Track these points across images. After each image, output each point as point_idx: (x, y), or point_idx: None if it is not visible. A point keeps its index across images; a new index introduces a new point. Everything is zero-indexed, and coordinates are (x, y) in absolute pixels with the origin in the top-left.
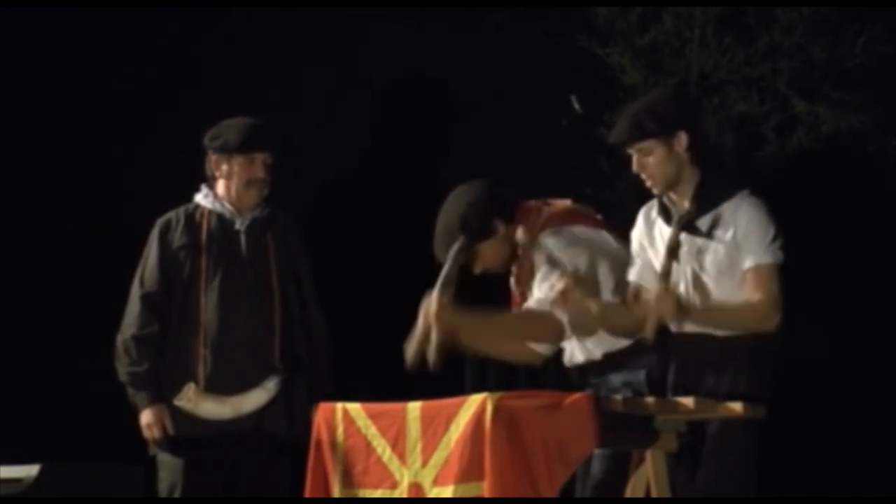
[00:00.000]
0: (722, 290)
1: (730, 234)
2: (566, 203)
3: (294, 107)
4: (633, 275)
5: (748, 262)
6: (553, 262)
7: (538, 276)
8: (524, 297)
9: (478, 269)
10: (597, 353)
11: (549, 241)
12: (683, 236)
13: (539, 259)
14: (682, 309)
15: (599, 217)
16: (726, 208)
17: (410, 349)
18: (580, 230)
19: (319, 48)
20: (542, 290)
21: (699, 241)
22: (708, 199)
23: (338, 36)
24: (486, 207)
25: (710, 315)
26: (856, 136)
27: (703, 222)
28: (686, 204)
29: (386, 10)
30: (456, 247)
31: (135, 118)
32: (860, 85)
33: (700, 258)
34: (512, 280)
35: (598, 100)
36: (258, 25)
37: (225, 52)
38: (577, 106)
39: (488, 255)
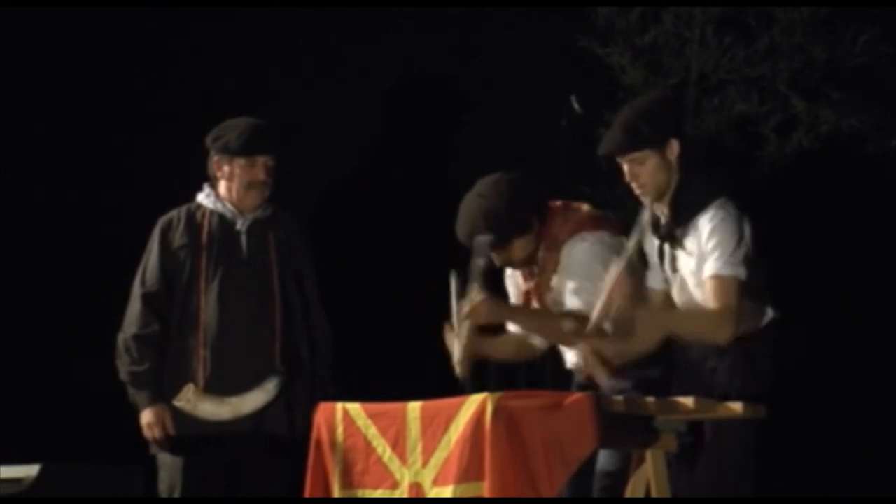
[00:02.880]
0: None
1: (698, 244)
2: (588, 207)
3: (297, 106)
4: (655, 281)
5: (708, 271)
6: (584, 272)
7: (569, 285)
8: (539, 292)
9: (501, 263)
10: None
11: (578, 247)
12: (666, 246)
13: (565, 262)
14: (629, 321)
15: (618, 222)
16: (701, 218)
17: (463, 363)
18: (606, 237)
19: (322, 48)
20: (579, 301)
21: (677, 251)
22: (685, 208)
23: (339, 36)
24: (530, 202)
25: (662, 324)
26: (856, 136)
27: (681, 232)
28: (666, 211)
29: (385, 11)
30: (485, 241)
31: (138, 116)
32: (860, 85)
33: (680, 267)
34: (518, 274)
35: (598, 100)
36: (261, 24)
37: (228, 51)
38: (576, 106)
39: (518, 249)
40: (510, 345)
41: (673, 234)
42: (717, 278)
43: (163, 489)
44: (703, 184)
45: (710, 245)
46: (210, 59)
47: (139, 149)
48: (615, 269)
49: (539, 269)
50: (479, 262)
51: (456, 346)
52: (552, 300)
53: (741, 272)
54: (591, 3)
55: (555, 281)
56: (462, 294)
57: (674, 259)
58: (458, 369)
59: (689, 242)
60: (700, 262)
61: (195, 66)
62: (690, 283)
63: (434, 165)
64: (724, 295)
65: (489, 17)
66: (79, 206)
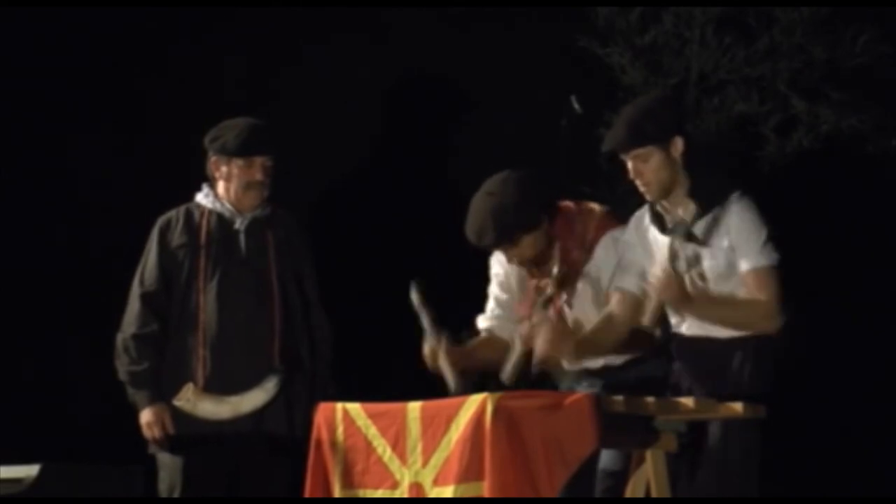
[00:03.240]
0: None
1: (725, 239)
2: (599, 206)
3: (297, 106)
4: (630, 283)
5: (745, 265)
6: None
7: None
8: (544, 290)
9: (512, 260)
10: (618, 360)
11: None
12: (680, 244)
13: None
14: (685, 296)
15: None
16: (719, 213)
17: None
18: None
19: (322, 48)
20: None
21: (696, 247)
22: (700, 204)
23: (339, 36)
24: (538, 199)
25: (712, 305)
26: (856, 136)
27: (698, 228)
28: (679, 211)
29: (385, 11)
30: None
31: (138, 116)
32: (860, 85)
33: (698, 265)
34: (526, 272)
35: (598, 100)
36: (261, 24)
37: (228, 51)
38: (576, 106)
39: (527, 246)
40: (489, 348)
41: (690, 231)
42: (756, 271)
43: (163, 489)
44: (717, 179)
45: (741, 238)
46: (210, 59)
47: (139, 149)
48: (665, 266)
49: (564, 267)
50: (425, 315)
51: (445, 365)
52: (585, 298)
53: (775, 259)
54: (591, 3)
55: (589, 275)
56: (424, 303)
57: (696, 258)
58: (451, 387)
59: (713, 238)
60: (728, 256)
61: (195, 66)
62: (710, 277)
63: (434, 165)
64: (767, 285)
65: (489, 17)
66: (79, 206)
